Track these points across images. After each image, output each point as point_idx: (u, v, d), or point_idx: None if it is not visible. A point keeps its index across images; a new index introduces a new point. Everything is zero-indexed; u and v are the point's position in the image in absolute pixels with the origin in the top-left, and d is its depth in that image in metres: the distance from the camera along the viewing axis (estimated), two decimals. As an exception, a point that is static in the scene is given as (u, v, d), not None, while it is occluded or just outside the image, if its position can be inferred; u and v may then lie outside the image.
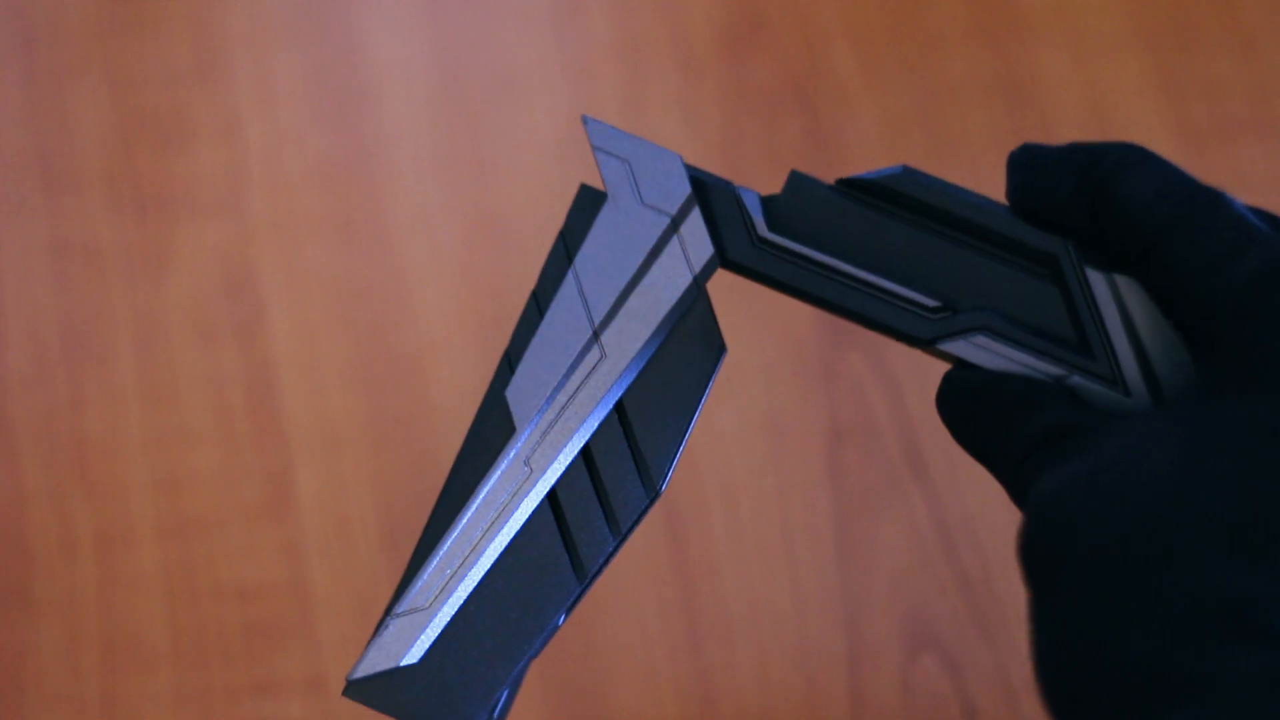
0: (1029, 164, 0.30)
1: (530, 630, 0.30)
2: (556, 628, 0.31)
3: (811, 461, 0.62)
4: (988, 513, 0.61)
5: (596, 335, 0.31)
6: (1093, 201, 0.29)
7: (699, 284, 0.31)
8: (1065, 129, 0.66)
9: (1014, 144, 0.66)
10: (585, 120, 0.32)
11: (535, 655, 0.31)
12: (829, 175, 0.66)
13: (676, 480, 0.62)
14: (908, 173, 0.31)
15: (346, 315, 0.64)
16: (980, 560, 0.60)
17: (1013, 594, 0.60)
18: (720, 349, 0.31)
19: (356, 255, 0.65)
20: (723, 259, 0.32)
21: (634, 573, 0.61)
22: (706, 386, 0.31)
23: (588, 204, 0.32)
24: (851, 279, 0.31)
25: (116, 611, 0.60)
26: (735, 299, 0.64)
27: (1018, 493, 0.28)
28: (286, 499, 0.61)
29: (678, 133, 0.67)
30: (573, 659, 0.60)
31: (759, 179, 0.66)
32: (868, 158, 0.66)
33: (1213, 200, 0.27)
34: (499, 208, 0.66)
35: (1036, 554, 0.26)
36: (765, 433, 0.62)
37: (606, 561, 0.31)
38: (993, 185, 0.65)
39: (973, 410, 0.30)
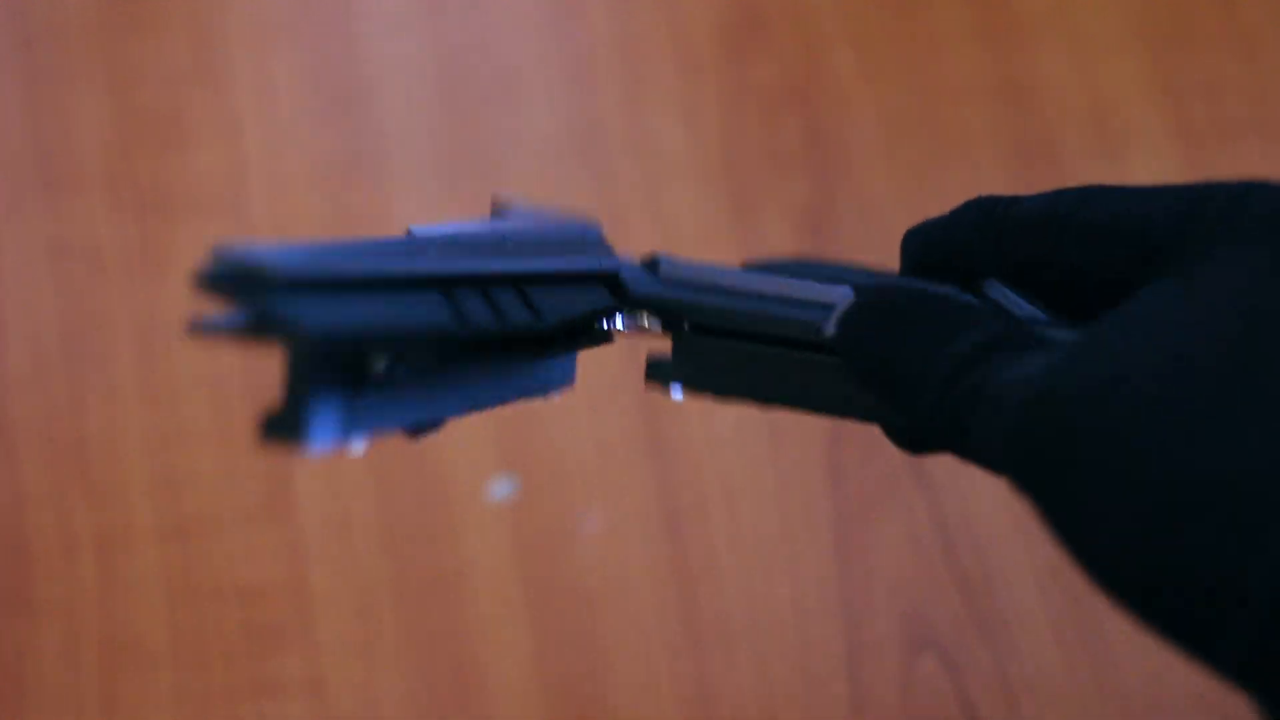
0: (929, 228, 0.32)
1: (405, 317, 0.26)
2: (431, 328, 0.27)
3: (811, 462, 0.62)
4: (988, 514, 0.61)
5: (506, 240, 0.30)
6: (997, 229, 0.30)
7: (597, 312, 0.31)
8: (1065, 129, 0.66)
9: (1014, 144, 0.66)
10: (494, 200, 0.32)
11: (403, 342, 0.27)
12: (829, 175, 0.66)
13: (676, 481, 0.62)
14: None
15: (346, 315, 0.64)
16: (980, 561, 0.60)
17: (1013, 594, 0.60)
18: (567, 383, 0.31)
19: (356, 255, 0.65)
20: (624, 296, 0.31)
21: (633, 573, 0.61)
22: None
23: None
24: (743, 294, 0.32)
25: (116, 612, 0.60)
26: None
27: (943, 411, 0.27)
28: (286, 499, 0.61)
29: (678, 133, 0.67)
30: (572, 659, 0.60)
31: (759, 179, 0.66)
32: (868, 158, 0.66)
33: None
34: (499, 208, 0.66)
35: (1042, 457, 0.24)
36: (764, 433, 0.62)
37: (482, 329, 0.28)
38: (993, 186, 0.65)
39: (891, 324, 0.29)
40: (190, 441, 0.62)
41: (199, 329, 0.24)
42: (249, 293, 0.23)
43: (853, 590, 0.60)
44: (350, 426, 0.25)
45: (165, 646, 0.60)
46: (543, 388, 0.32)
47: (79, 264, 0.65)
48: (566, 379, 0.33)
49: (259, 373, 0.63)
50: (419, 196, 0.66)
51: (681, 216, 0.65)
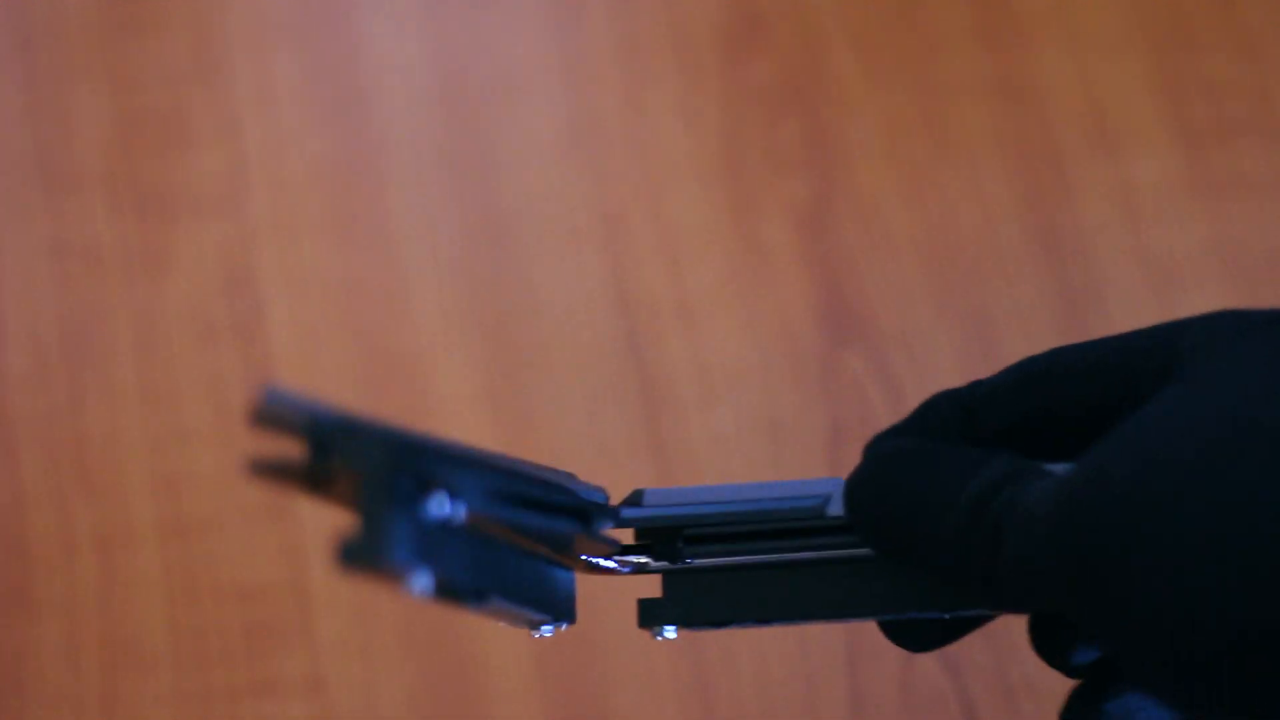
0: (897, 434, 0.32)
1: None
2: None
3: (811, 461, 0.62)
4: (988, 513, 0.61)
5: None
6: (965, 411, 0.31)
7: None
8: (1065, 129, 0.66)
9: (1014, 144, 0.66)
10: None
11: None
12: (829, 175, 0.66)
13: (676, 480, 0.62)
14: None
15: (346, 315, 0.64)
16: (980, 560, 0.60)
17: (1013, 594, 0.60)
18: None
19: (356, 255, 0.65)
20: None
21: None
22: None
23: None
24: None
25: (116, 612, 0.60)
26: (734, 297, 0.64)
27: (975, 531, 0.27)
28: (286, 499, 0.61)
29: (678, 133, 0.67)
30: (572, 659, 0.60)
31: (759, 179, 0.66)
32: (868, 158, 0.66)
33: None
34: (499, 208, 0.66)
35: (1092, 544, 0.24)
36: (765, 433, 0.62)
37: None
38: (994, 185, 0.65)
39: (906, 468, 0.29)
40: (190, 441, 0.63)
41: (261, 468, 0.27)
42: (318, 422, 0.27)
43: (853, 590, 0.60)
44: (423, 553, 0.27)
45: (165, 646, 0.60)
46: (548, 607, 0.34)
47: (79, 264, 0.65)
48: (567, 606, 0.35)
49: (259, 373, 0.63)
50: (419, 196, 0.66)
51: (681, 216, 0.65)
